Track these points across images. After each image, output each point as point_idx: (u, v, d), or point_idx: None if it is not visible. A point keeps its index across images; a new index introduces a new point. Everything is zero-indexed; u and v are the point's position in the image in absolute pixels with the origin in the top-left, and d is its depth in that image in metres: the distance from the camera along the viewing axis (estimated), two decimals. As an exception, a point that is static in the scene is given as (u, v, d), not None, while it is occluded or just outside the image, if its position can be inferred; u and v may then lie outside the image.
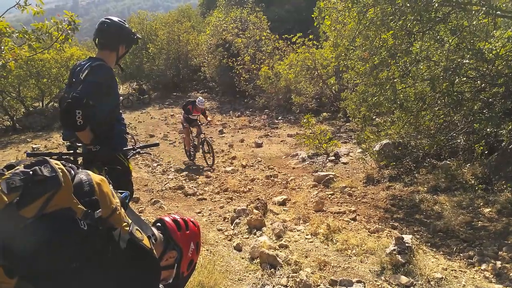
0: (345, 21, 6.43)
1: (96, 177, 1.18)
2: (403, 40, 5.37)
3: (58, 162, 1.10)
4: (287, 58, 13.59)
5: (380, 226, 4.47)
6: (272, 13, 20.83)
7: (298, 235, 4.37)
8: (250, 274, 3.57)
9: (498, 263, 3.45)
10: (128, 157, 2.99)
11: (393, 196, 5.48)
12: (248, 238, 4.40)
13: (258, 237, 4.30)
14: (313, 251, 3.95)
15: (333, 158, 7.89)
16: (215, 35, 18.35)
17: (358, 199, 5.65)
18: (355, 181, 6.48)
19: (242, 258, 3.91)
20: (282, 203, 5.62)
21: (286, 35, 14.47)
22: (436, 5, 4.48)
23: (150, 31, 21.73)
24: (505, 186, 4.94)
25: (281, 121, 13.24)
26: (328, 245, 4.08)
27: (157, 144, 3.40)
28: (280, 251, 3.90)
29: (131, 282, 1.18)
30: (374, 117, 6.88)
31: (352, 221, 4.75)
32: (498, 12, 4.46)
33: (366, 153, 7.06)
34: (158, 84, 21.21)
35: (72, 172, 1.15)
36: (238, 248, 4.13)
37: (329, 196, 5.86)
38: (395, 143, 6.65)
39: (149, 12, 25.43)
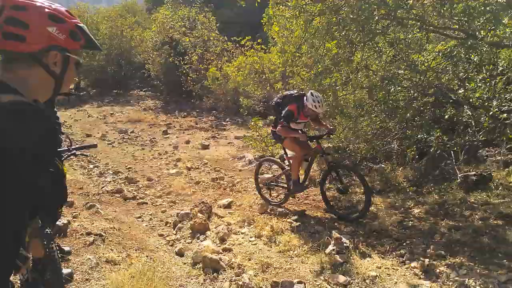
0: (292, 28, 6.59)
1: None
2: (345, 50, 5.62)
3: None
4: (236, 60, 13.58)
5: (320, 227, 4.64)
6: (221, 15, 20.75)
7: (243, 238, 4.42)
8: (192, 279, 3.54)
9: (426, 260, 3.71)
10: (62, 158, 2.80)
11: (333, 197, 5.70)
12: (191, 242, 4.37)
13: (201, 241, 4.28)
14: (257, 253, 4.02)
15: (278, 160, 8.01)
16: (162, 32, 17.85)
17: (301, 201, 5.81)
18: (298, 183, 6.63)
19: (184, 263, 3.87)
20: (228, 206, 5.61)
21: (235, 37, 14.38)
22: (377, 18, 4.74)
23: (91, 24, 20.58)
24: (433, 188, 5.36)
25: (229, 123, 13.21)
26: (271, 247, 4.17)
27: (95, 146, 3.24)
28: (224, 255, 3.92)
29: None
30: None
31: (294, 222, 4.87)
32: (431, 27, 4.83)
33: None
34: (98, 81, 20.14)
35: None
36: (180, 254, 4.08)
37: (274, 198, 5.94)
38: (335, 147, 6.94)
39: (90, 4, 24.07)
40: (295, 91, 5.38)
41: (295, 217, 5.07)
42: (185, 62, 15.86)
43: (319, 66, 5.96)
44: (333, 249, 3.69)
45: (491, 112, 5.00)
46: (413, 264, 3.69)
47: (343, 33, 5.28)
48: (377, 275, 3.40)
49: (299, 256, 3.88)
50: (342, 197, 5.51)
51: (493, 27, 4.08)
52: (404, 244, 4.18)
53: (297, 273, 3.61)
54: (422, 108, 5.96)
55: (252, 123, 8.31)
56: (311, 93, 4.91)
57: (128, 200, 5.95)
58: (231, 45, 15.25)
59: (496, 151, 5.69)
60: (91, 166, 7.76)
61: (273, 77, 11.86)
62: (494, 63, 5.26)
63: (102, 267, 3.50)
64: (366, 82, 5.93)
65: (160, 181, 7.06)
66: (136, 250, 4.04)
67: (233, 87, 13.52)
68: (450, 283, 3.27)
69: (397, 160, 6.19)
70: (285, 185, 5.52)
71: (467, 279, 3.27)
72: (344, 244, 3.71)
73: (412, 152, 5.91)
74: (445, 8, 4.34)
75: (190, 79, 15.62)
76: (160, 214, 5.43)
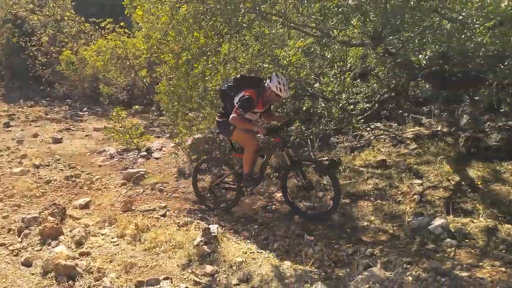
0: (158, 13, 6.26)
1: None
2: (213, 40, 5.60)
3: None
4: (95, 43, 12.49)
5: (189, 219, 4.55)
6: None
7: (103, 239, 4.09)
8: (42, 291, 3.10)
9: (287, 240, 3.97)
10: None
11: (203, 188, 5.69)
12: (40, 250, 3.85)
13: (53, 247, 3.83)
14: (119, 254, 3.76)
15: (145, 153, 7.66)
16: (3, 8, 15.24)
17: (169, 194, 5.64)
18: (167, 176, 6.44)
19: (33, 274, 3.40)
20: (85, 206, 5.13)
21: (93, 19, 13.30)
22: (243, 11, 4.82)
23: None
24: (293, 173, 5.78)
25: (87, 113, 12.08)
26: (135, 246, 3.95)
27: None
28: (81, 260, 3.59)
29: None
30: (187, 112, 6.99)
31: (162, 218, 4.70)
32: (292, 24, 5.14)
33: (179, 148, 7.12)
34: None
35: None
36: (28, 263, 3.58)
37: (139, 194, 5.66)
38: (206, 138, 6.94)
39: None
40: (251, 75, 4.66)
41: (163, 211, 4.89)
42: (33, 43, 13.97)
43: (188, 54, 5.82)
44: (201, 240, 3.66)
45: (340, 104, 5.66)
46: (276, 245, 3.91)
47: (211, 24, 5.25)
48: (243, 261, 3.49)
49: (166, 252, 3.74)
50: (306, 194, 4.83)
51: (344, 27, 4.56)
52: (268, 227, 4.39)
53: (163, 269, 3.48)
54: (283, 100, 6.37)
55: (114, 113, 7.71)
56: (276, 74, 4.28)
57: (-44, 207, 4.91)
58: (89, 26, 14.00)
59: (344, 138, 6.46)
60: None
61: (138, 64, 11.30)
62: (344, 60, 5.95)
63: None
64: (235, 74, 6.03)
65: (1, 182, 6.00)
66: (-34, 266, 3.38)
67: (91, 73, 12.51)
68: (307, 260, 3.56)
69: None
70: (234, 186, 4.93)
71: (321, 255, 3.61)
72: (212, 234, 3.71)
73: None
74: (303, 7, 4.67)
75: (39, 63, 13.90)
76: (1, 220, 4.65)
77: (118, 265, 3.50)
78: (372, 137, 6.30)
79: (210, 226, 3.85)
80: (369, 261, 3.31)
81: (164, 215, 4.79)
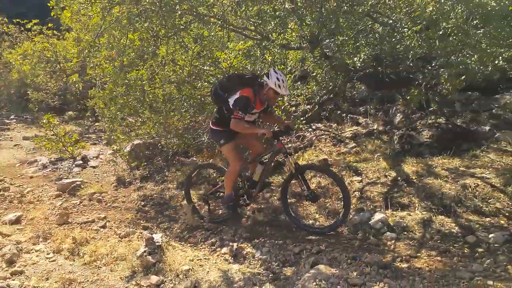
0: (90, 14, 5.91)
1: None
2: (149, 43, 5.41)
3: None
4: (21, 46, 11.59)
5: (131, 229, 4.37)
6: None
7: (37, 256, 3.82)
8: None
9: (235, 244, 3.93)
10: None
11: (145, 196, 5.47)
12: None
13: None
14: (56, 270, 3.52)
15: (80, 162, 7.24)
16: None
17: (109, 204, 5.36)
18: (105, 185, 6.13)
19: None
20: (16, 222, 4.76)
21: (18, 20, 12.35)
22: (180, 12, 4.71)
23: None
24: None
25: (14, 121, 11.23)
26: (74, 261, 3.71)
27: None
28: (13, 279, 3.36)
29: None
30: (125, 117, 6.68)
31: (101, 229, 4.47)
32: (231, 27, 5.12)
33: (117, 155, 6.80)
34: None
35: None
36: None
37: (76, 205, 5.32)
38: (146, 143, 6.70)
39: None
40: (245, 73, 4.31)
41: (102, 223, 4.62)
42: None
43: (124, 59, 5.57)
44: (145, 251, 3.50)
45: (283, 106, 5.76)
46: (224, 250, 3.85)
47: (146, 25, 5.06)
48: (190, 268, 3.39)
49: (107, 265, 3.54)
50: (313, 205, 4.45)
51: (282, 31, 4.63)
52: (215, 232, 4.33)
53: (106, 284, 3.29)
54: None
55: (45, 121, 7.18)
56: (274, 69, 3.83)
57: None
58: (14, 28, 12.98)
59: (288, 139, 6.57)
60: None
61: (70, 68, 10.65)
62: (284, 63, 6.05)
63: None
64: (174, 77, 5.88)
65: None
66: None
67: (17, 78, 11.59)
68: (255, 262, 3.55)
69: (208, 152, 6.40)
70: None
71: (269, 256, 3.61)
72: (156, 244, 3.56)
73: (220, 145, 6.22)
74: (241, 10, 4.66)
75: (-44, 68, 12.57)
76: None
77: (56, 282, 3.29)
78: (314, 138, 6.48)
79: (154, 235, 3.69)
80: (316, 259, 3.36)
81: (104, 227, 4.56)
